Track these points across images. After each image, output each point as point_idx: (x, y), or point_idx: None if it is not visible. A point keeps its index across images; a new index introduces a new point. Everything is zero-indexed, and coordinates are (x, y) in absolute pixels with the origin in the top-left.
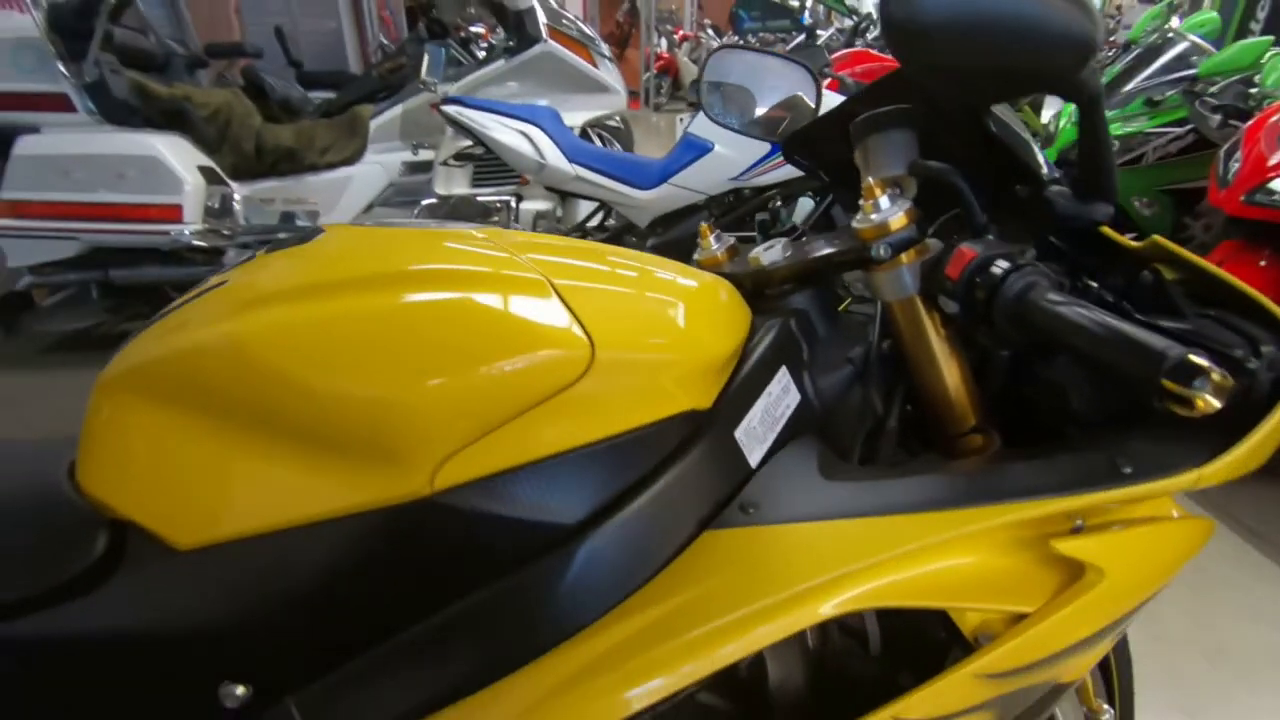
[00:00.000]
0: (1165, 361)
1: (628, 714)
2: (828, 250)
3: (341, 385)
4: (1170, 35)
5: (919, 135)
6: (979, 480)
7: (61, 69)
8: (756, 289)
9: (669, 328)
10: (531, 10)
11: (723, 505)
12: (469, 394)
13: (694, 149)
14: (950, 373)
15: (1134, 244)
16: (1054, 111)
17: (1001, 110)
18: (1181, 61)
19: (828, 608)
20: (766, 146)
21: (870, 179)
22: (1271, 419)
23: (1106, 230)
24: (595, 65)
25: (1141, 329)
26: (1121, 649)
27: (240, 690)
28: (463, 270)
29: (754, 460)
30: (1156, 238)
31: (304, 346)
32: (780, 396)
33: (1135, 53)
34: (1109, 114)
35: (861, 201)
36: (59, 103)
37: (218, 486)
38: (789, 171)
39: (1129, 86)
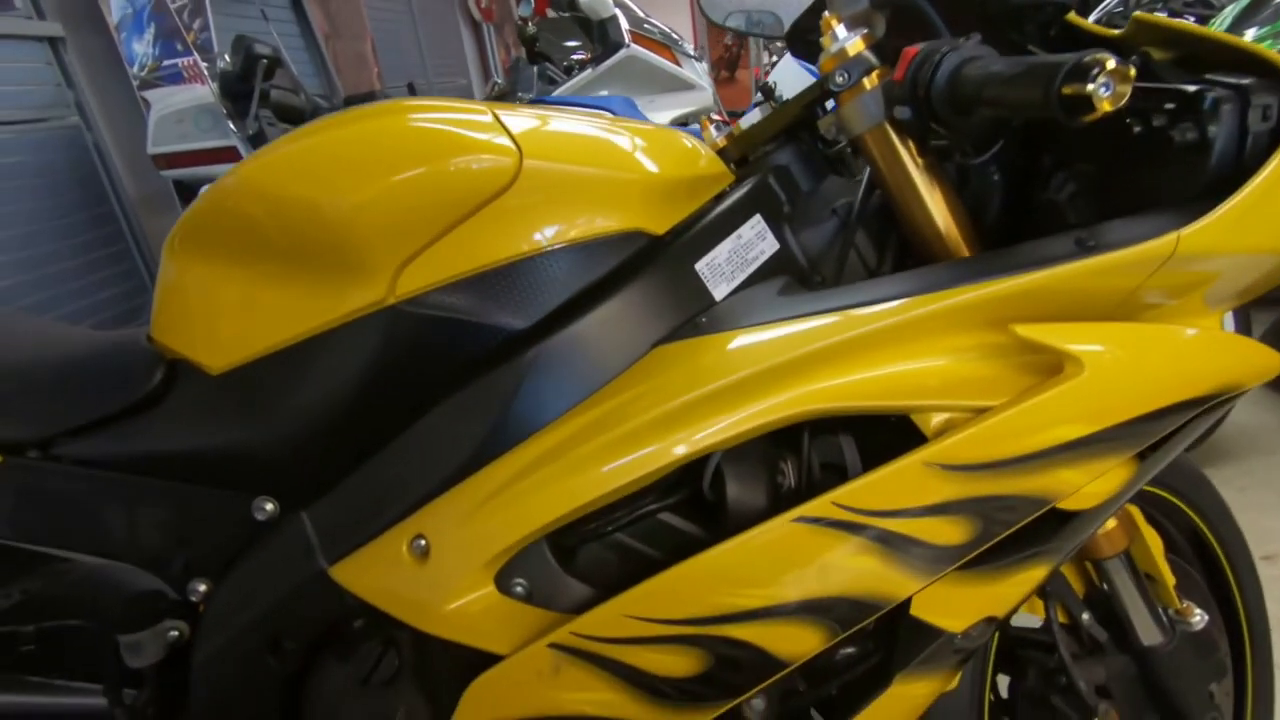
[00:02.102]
0: (1061, 67)
1: (580, 502)
2: (797, 94)
3: (315, 198)
4: None
5: None
6: (934, 275)
7: (231, 126)
8: (742, 157)
9: (607, 150)
10: (614, 18)
11: (679, 328)
12: (411, 198)
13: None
14: (935, 203)
15: (1114, 31)
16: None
17: None
18: None
19: (777, 404)
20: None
21: (827, 13)
22: (1265, 172)
23: (1077, 20)
24: (679, 65)
25: (1052, 58)
26: (1254, 595)
27: (270, 506)
28: (423, 103)
29: (718, 295)
30: (1137, 14)
31: (287, 171)
32: (753, 241)
33: None
34: (1258, 32)
35: (821, 39)
36: (230, 154)
37: (237, 314)
38: None
39: None
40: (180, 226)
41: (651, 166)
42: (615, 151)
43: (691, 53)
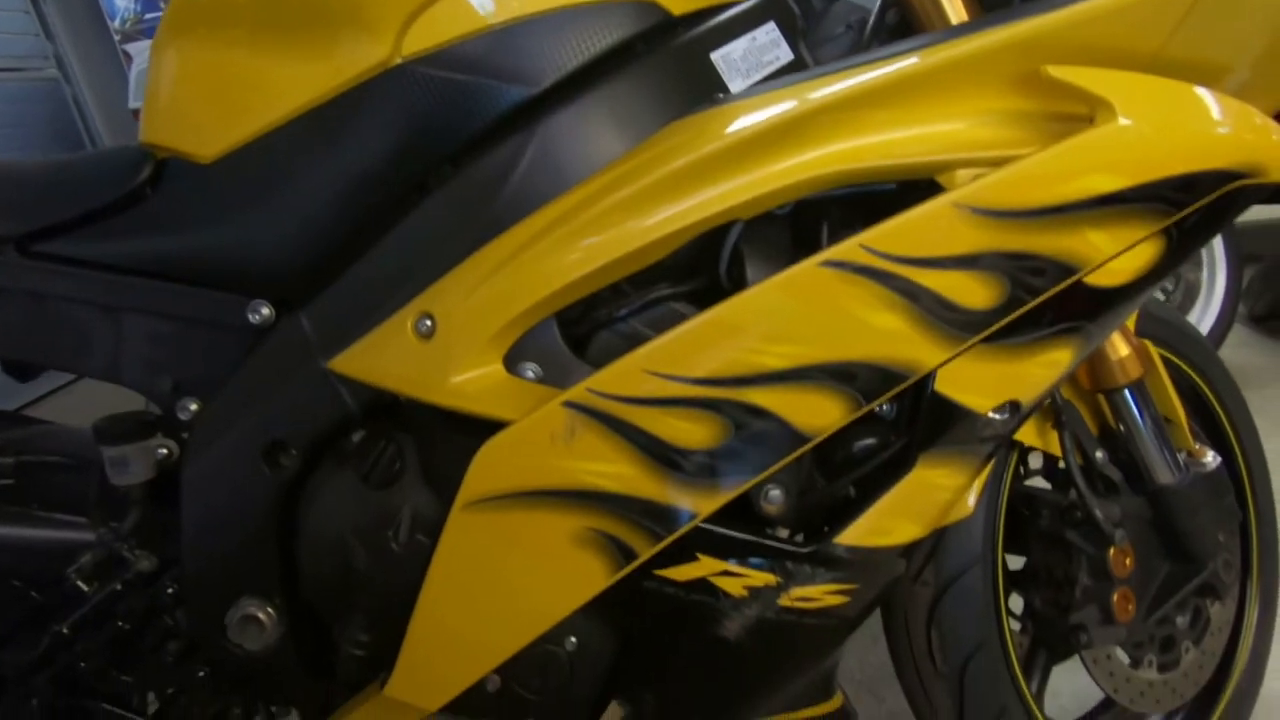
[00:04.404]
0: None
1: (590, 268)
2: None
3: None
4: None
5: None
6: (958, 28)
7: None
8: None
9: None
10: None
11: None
12: None
13: None
14: (955, 12)
15: None
16: None
17: None
18: None
19: (798, 165)
20: None
21: None
22: None
23: None
24: None
25: None
26: (1254, 448)
27: (265, 310)
28: None
29: (734, 88)
30: None
31: None
32: (768, 47)
33: None
34: None
35: None
36: None
37: (229, 95)
38: None
39: None
40: (167, 15)
41: None
42: None
43: None
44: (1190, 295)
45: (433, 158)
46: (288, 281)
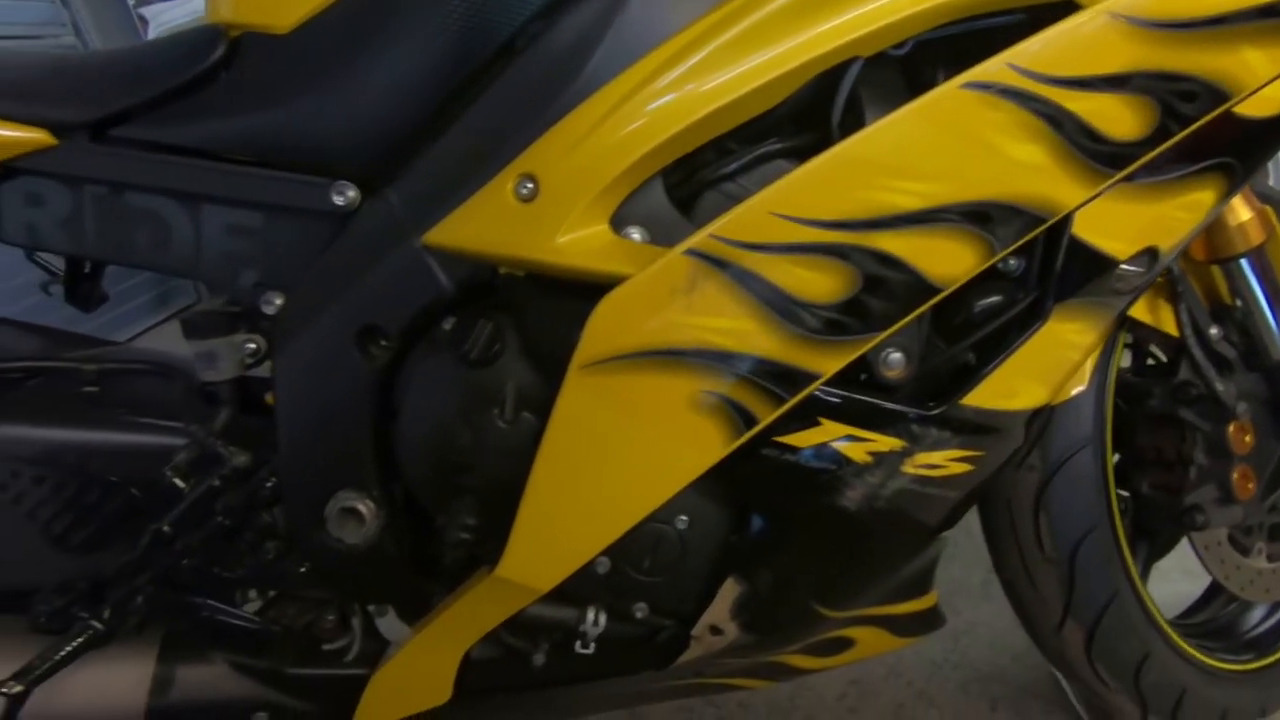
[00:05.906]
0: None
1: (699, 114)
2: None
3: None
4: None
5: None
6: None
7: None
8: None
9: None
10: None
11: None
12: None
13: None
14: None
15: None
16: None
17: None
18: None
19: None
20: None
21: None
22: None
23: None
24: None
25: None
26: None
27: (351, 192)
28: None
29: None
30: None
31: None
32: None
33: None
34: None
35: None
36: None
37: None
38: None
39: None
40: None
41: None
42: None
43: None
44: None
45: (523, 11)
46: (372, 159)
